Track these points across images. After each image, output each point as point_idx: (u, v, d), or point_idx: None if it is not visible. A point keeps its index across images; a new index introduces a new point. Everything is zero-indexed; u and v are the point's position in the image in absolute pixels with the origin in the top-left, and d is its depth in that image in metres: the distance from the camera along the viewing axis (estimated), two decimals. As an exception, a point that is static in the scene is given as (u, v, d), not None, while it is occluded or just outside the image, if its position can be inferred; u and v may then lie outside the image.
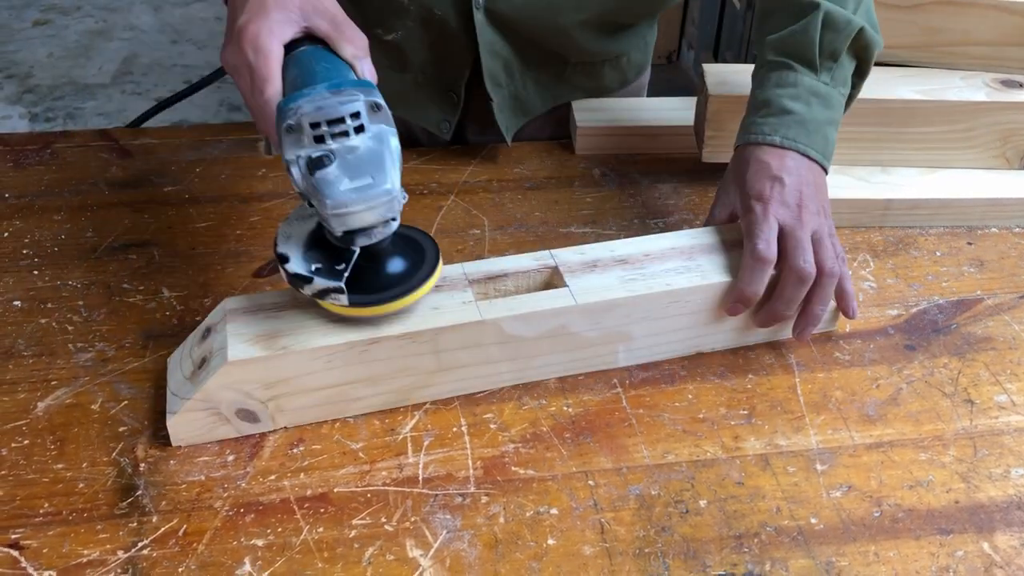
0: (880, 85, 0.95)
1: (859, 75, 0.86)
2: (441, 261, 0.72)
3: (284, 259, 0.69)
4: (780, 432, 0.74)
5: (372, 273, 0.69)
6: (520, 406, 0.75)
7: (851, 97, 0.86)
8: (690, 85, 2.80)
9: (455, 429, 0.73)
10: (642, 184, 1.01)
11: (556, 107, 1.07)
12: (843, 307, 0.80)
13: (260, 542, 0.65)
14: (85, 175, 1.00)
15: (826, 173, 0.82)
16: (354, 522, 0.66)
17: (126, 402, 0.74)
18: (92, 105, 2.98)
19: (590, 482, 0.70)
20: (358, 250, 0.68)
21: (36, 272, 0.87)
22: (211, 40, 3.35)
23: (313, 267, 0.68)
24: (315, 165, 0.63)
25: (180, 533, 0.65)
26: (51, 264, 0.88)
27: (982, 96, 0.93)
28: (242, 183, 0.99)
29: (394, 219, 0.66)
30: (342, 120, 0.64)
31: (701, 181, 1.01)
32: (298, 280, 0.68)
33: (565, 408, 0.75)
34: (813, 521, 0.67)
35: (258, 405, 0.70)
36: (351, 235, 0.66)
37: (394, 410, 0.74)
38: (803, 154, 0.79)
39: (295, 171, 0.64)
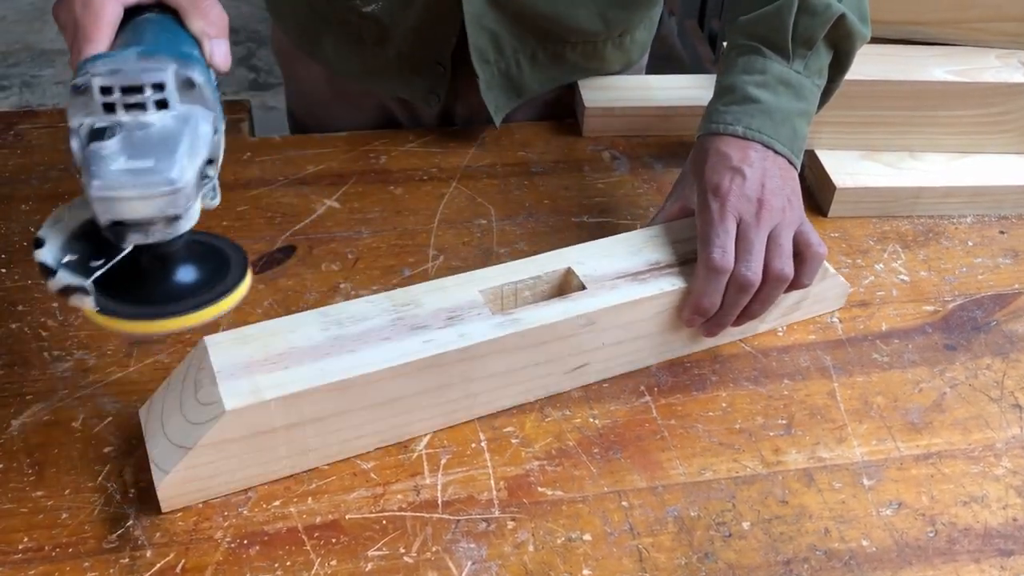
0: (911, 65, 0.89)
1: (837, 67, 0.78)
2: (246, 283, 0.60)
3: (38, 243, 0.56)
4: (822, 444, 0.69)
5: (149, 282, 0.58)
6: (543, 418, 0.70)
7: (828, 91, 0.80)
8: (672, 54, 2.73)
9: (474, 445, 0.67)
10: (656, 169, 0.95)
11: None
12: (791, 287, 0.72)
13: (267, 578, 0.59)
14: (54, 160, 0.92)
15: (796, 168, 0.75)
16: (370, 553, 0.60)
17: (111, 418, 0.67)
18: (50, 73, 2.85)
19: (624, 503, 0.64)
20: (128, 249, 0.55)
21: (4, 270, 0.79)
22: (174, 4, 3.21)
23: (66, 258, 0.55)
24: (94, 136, 0.52)
25: (178, 569, 0.59)
26: (21, 261, 0.80)
27: (1020, 77, 0.88)
28: (226, 168, 0.90)
29: (179, 218, 0.55)
30: (140, 89, 0.53)
31: (718, 166, 0.95)
32: (42, 270, 0.55)
33: (591, 420, 0.70)
34: (865, 543, 0.63)
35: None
36: (121, 229, 0.54)
37: (407, 424, 0.68)
38: (767, 146, 0.73)
39: (74, 141, 0.53)
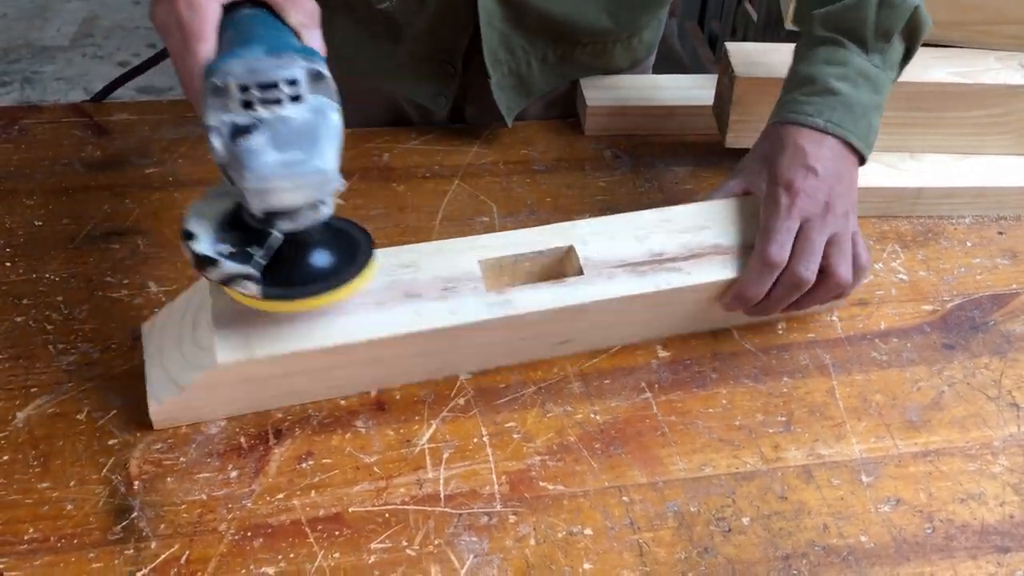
0: (912, 67, 0.89)
1: (905, 58, 0.80)
2: (375, 260, 0.65)
3: (189, 236, 0.60)
4: (821, 441, 0.69)
5: (293, 264, 0.62)
6: (544, 413, 0.70)
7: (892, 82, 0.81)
8: (672, 55, 2.73)
9: (476, 440, 0.68)
10: (657, 167, 0.96)
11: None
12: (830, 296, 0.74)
13: (271, 570, 0.59)
14: (59, 154, 0.92)
15: (863, 163, 0.76)
16: (372, 546, 0.61)
17: (115, 411, 0.68)
18: (51, 69, 2.85)
19: (624, 498, 0.65)
20: (280, 237, 0.60)
21: (9, 264, 0.79)
22: (175, 1, 3.21)
23: (225, 249, 0.60)
24: (239, 132, 0.56)
25: (182, 560, 0.59)
26: (25, 255, 0.80)
27: (1019, 79, 0.89)
28: (230, 164, 0.92)
29: (324, 203, 0.59)
30: (276, 86, 0.56)
31: (720, 164, 0.96)
32: (203, 262, 0.60)
33: (592, 416, 0.70)
34: (863, 539, 0.63)
35: None
36: (273, 217, 0.59)
37: (408, 420, 0.69)
38: (845, 141, 0.74)
39: (216, 139, 0.57)
